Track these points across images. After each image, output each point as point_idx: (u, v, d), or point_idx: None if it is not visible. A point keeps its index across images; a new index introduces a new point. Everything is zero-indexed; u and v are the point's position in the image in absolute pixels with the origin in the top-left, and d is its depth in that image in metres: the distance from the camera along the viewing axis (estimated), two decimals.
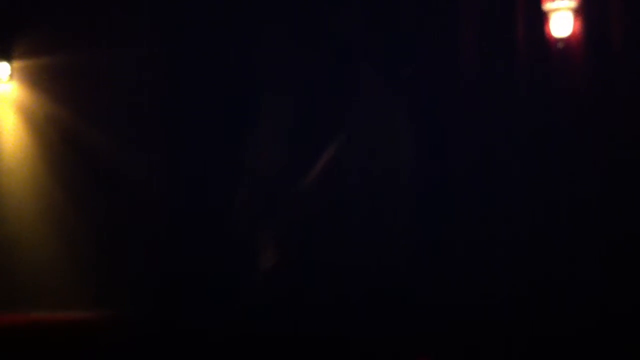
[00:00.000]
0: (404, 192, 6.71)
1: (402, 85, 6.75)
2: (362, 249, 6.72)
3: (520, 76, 6.55)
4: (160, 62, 6.97)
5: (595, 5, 6.46)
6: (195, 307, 6.71)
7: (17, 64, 6.99)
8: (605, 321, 6.21)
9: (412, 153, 6.77)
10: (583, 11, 6.47)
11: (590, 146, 6.41)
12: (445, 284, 6.51)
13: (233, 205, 6.87)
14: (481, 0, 6.61)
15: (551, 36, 6.49)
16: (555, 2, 6.46)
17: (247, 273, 6.85)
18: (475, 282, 6.48)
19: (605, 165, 6.37)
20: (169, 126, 6.97)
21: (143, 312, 6.72)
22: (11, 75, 6.99)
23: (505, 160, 6.56)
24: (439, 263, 6.54)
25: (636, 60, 6.37)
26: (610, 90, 6.42)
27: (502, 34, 6.57)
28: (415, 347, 6.27)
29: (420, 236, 6.67)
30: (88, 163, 6.96)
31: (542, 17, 6.51)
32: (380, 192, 6.74)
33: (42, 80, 6.99)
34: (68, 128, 6.97)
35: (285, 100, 6.89)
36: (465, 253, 6.53)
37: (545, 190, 6.50)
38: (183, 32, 6.93)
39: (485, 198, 6.57)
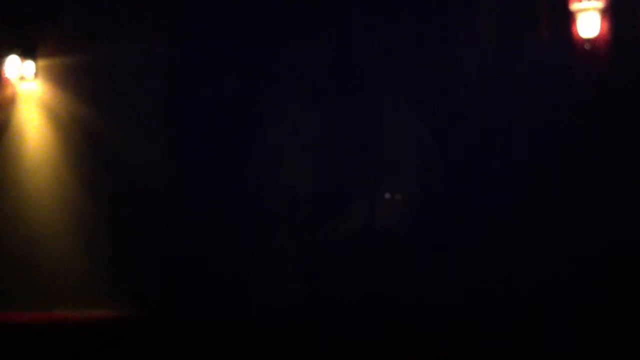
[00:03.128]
0: (407, 191, 6.68)
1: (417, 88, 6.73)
2: (365, 249, 6.70)
3: (547, 75, 6.48)
4: (182, 62, 6.97)
5: (622, 5, 6.39)
6: (204, 306, 6.70)
7: (42, 62, 7.03)
8: (604, 321, 6.16)
9: (427, 154, 6.74)
10: (610, 11, 6.40)
11: (614, 144, 6.35)
12: (447, 284, 6.47)
13: (243, 205, 6.89)
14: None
15: (578, 36, 6.41)
16: (583, 3, 6.39)
17: (253, 272, 6.84)
18: (475, 282, 6.43)
19: (627, 160, 6.30)
20: (193, 125, 6.97)
21: (154, 312, 6.72)
22: (36, 74, 7.03)
23: (526, 161, 6.50)
24: (441, 263, 6.50)
25: None
26: (637, 89, 6.33)
27: (528, 33, 6.50)
28: (421, 346, 6.19)
29: (422, 236, 6.63)
30: (111, 160, 6.96)
31: (569, 18, 6.44)
32: (384, 189, 6.73)
33: (66, 79, 7.02)
34: (91, 125, 6.98)
35: (291, 100, 6.89)
36: (466, 253, 6.48)
37: (563, 193, 6.44)
38: (199, 33, 6.96)
39: (488, 201, 6.51)
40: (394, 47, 6.70)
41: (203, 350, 5.94)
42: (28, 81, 7.05)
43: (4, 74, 7.01)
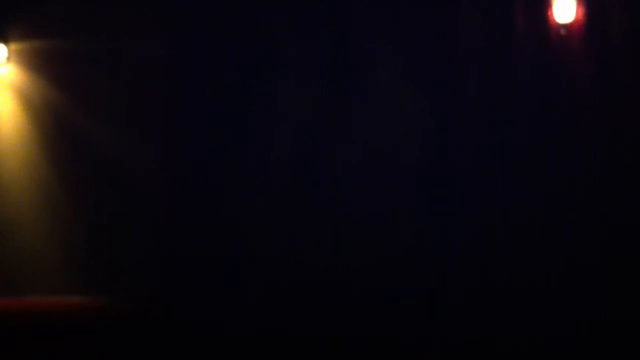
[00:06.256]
0: (407, 181, 6.66)
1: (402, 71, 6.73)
2: (364, 245, 6.67)
3: (521, 61, 6.50)
4: (159, 49, 6.92)
5: None
6: (193, 299, 6.66)
7: (15, 46, 6.95)
8: (604, 321, 6.19)
9: (414, 143, 6.72)
10: None
11: (590, 131, 6.38)
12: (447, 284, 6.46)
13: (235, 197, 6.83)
14: None
15: (554, 22, 6.45)
16: None
17: (248, 267, 6.78)
18: (475, 281, 6.43)
19: (605, 150, 6.35)
20: (167, 113, 6.93)
21: (139, 300, 6.68)
22: (8, 58, 6.95)
23: (506, 148, 6.50)
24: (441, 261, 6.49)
25: (638, 47, 6.34)
26: (611, 76, 6.40)
27: (504, 18, 6.53)
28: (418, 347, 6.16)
29: (423, 232, 6.62)
30: (83, 147, 6.91)
31: (545, 3, 6.47)
32: (384, 180, 6.70)
33: (39, 63, 6.94)
34: (64, 111, 6.92)
35: (289, 89, 6.86)
36: (467, 251, 6.49)
37: (544, 177, 6.46)
38: (183, 21, 6.91)
39: (486, 191, 6.51)
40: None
41: (198, 350, 5.87)
42: (0, 65, 6.96)
43: None
